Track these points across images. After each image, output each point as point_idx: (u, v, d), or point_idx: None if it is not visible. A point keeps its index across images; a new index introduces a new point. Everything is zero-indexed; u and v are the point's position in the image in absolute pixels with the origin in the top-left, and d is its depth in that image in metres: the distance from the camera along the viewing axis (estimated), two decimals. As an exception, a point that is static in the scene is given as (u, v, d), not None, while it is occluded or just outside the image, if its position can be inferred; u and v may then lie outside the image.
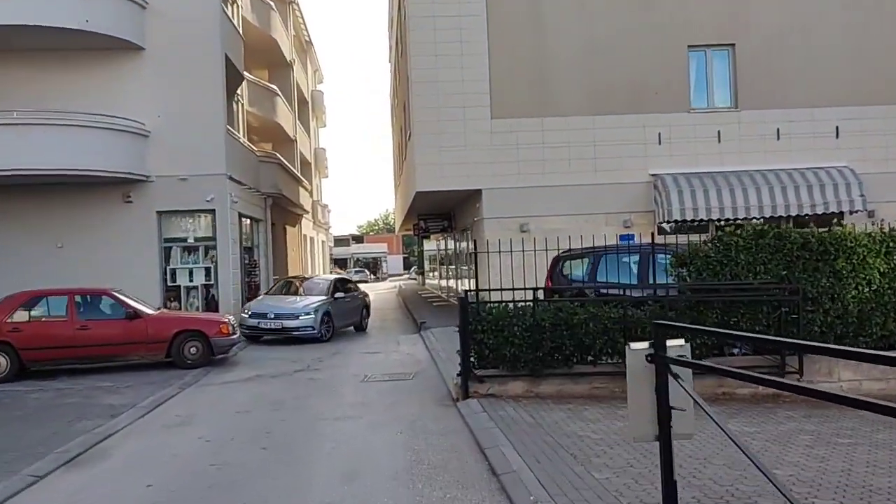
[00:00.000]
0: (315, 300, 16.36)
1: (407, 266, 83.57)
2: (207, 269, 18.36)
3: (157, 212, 17.94)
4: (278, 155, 23.77)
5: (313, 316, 15.69)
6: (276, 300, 17.03)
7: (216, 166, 18.09)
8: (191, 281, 18.26)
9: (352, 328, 18.00)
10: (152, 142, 17.74)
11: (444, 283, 29.92)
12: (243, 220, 20.56)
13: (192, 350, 11.49)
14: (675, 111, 17.22)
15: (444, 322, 17.45)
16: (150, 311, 11.74)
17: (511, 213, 16.85)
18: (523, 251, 9.62)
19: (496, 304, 8.46)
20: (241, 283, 19.75)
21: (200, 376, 10.87)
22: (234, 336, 12.14)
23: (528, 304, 8.32)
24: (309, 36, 38.80)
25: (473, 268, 18.16)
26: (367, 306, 18.99)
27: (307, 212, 32.15)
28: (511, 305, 8.40)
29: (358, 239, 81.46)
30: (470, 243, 19.90)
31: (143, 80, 17.68)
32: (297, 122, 33.83)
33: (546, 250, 10.25)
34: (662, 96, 17.18)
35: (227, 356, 12.67)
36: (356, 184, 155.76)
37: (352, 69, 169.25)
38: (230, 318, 12.35)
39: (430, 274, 40.52)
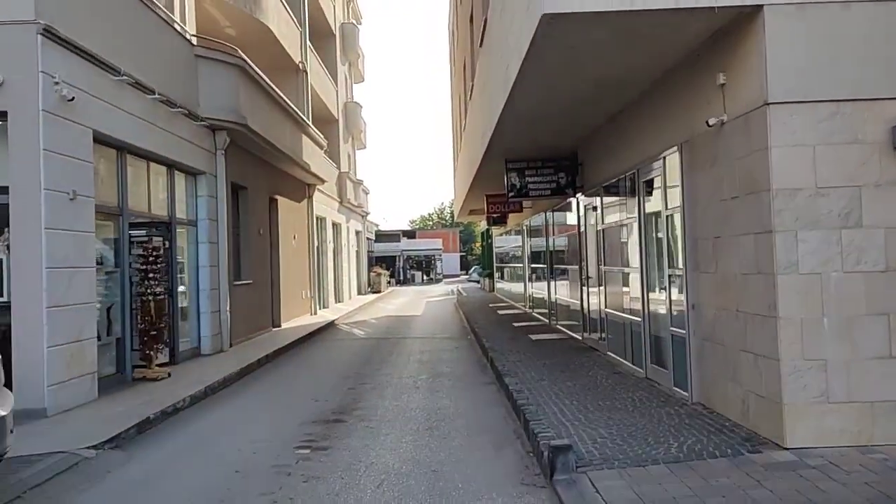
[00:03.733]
0: None
1: (464, 266, 72.29)
2: (-2, 267, 7.38)
3: None
4: (240, 52, 12.77)
5: None
6: None
7: (8, 4, 7.11)
8: (-49, 295, 7.30)
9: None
10: None
11: (536, 290, 18.21)
12: (125, 156, 9.42)
13: None
14: None
15: (627, 437, 5.81)
16: None
17: (857, 86, 5.14)
18: None
19: None
20: (119, 299, 8.77)
21: None
22: None
23: None
24: (336, -55, 27.87)
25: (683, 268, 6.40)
26: None
27: (322, 181, 21.11)
28: None
29: (409, 234, 70.50)
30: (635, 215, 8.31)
31: None
32: (312, 50, 22.81)
33: None
34: None
35: None
36: (410, 176, 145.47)
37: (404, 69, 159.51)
38: None
39: (500, 276, 28.90)
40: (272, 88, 14.54)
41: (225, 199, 12.60)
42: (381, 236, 60.75)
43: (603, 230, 9.97)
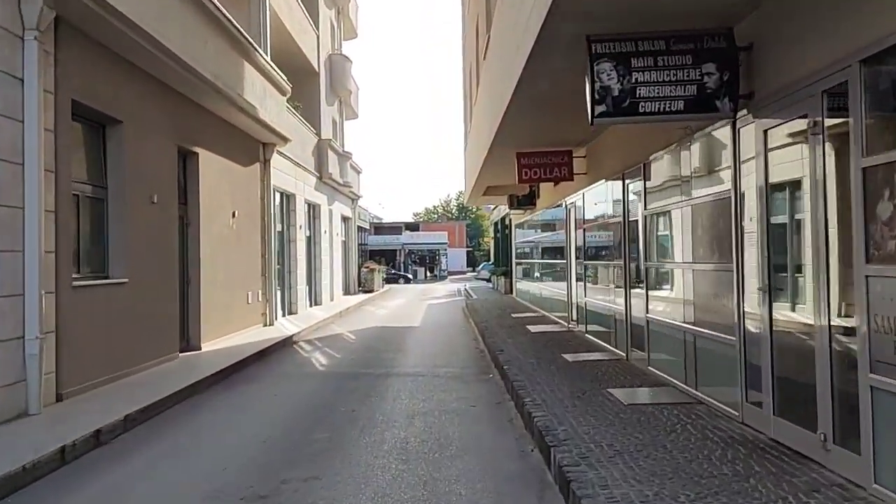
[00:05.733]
0: None
1: (471, 262, 66.22)
2: None
3: None
4: None
5: None
6: None
7: None
8: None
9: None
10: None
11: (593, 300, 12.25)
12: None
13: None
14: None
15: None
16: None
17: None
18: None
19: None
20: None
21: None
22: None
23: None
24: None
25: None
26: None
27: (283, 139, 15.18)
28: None
29: (412, 227, 64.68)
30: None
31: None
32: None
33: None
34: None
35: None
36: (415, 166, 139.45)
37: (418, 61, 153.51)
38: None
39: (522, 275, 22.99)
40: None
41: (41, 124, 6.71)
42: (381, 228, 55.02)
43: (864, 173, 3.99)
